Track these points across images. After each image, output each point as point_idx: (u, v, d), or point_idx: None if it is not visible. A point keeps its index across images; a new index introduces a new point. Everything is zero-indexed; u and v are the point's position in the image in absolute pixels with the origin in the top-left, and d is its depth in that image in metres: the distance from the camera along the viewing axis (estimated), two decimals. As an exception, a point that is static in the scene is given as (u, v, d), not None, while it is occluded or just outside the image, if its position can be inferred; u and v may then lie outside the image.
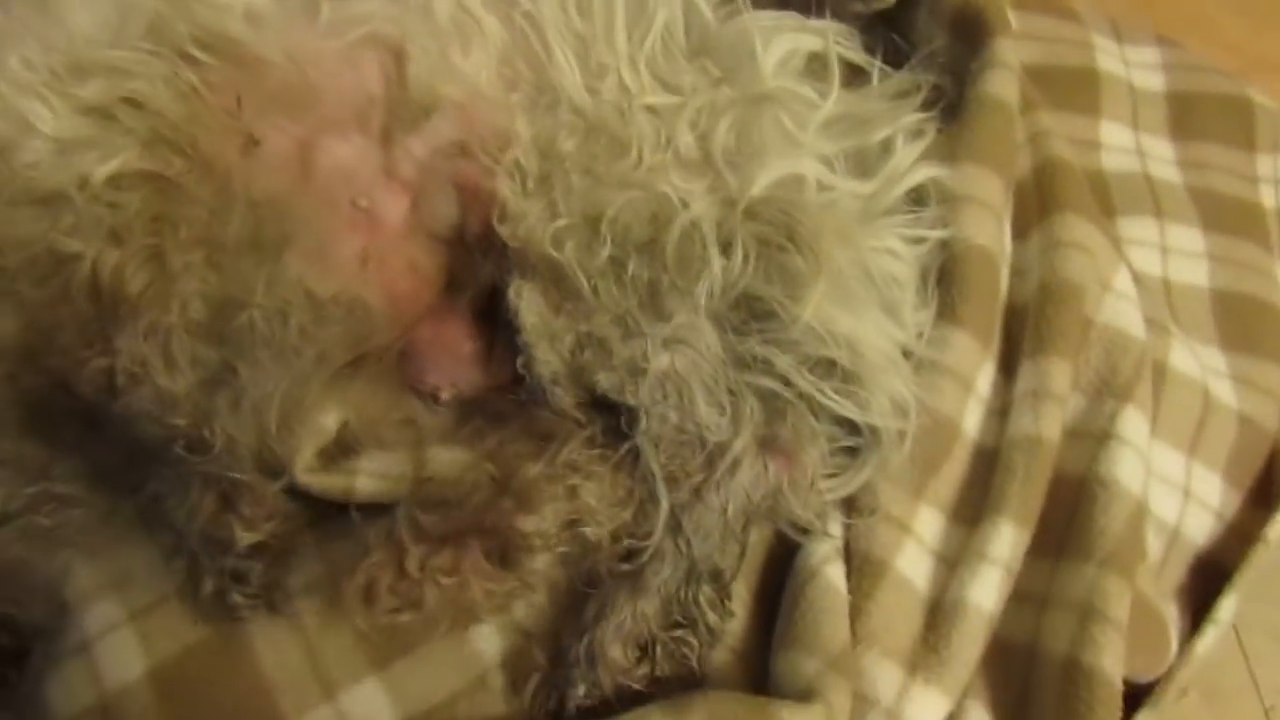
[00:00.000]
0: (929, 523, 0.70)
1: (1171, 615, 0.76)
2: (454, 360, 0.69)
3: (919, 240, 0.70)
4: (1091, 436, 0.72)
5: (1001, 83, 0.77)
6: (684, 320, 0.62)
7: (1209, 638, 0.76)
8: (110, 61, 0.61)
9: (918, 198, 0.72)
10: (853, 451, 0.68)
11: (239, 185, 0.62)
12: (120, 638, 0.64)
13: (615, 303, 0.60)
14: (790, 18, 0.73)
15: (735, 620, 0.67)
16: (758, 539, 0.70)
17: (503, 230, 0.62)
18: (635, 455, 0.63)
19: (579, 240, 0.61)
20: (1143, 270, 0.87)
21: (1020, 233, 0.79)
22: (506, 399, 0.67)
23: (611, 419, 0.64)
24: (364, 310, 0.66)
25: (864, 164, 0.71)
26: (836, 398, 0.65)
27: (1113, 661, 0.63)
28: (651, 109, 0.66)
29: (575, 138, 0.63)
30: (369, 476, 0.67)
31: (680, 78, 0.68)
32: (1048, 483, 0.69)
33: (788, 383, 0.64)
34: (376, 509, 0.65)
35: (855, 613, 0.65)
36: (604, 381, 0.62)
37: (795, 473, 0.64)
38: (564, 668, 0.61)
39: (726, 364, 0.63)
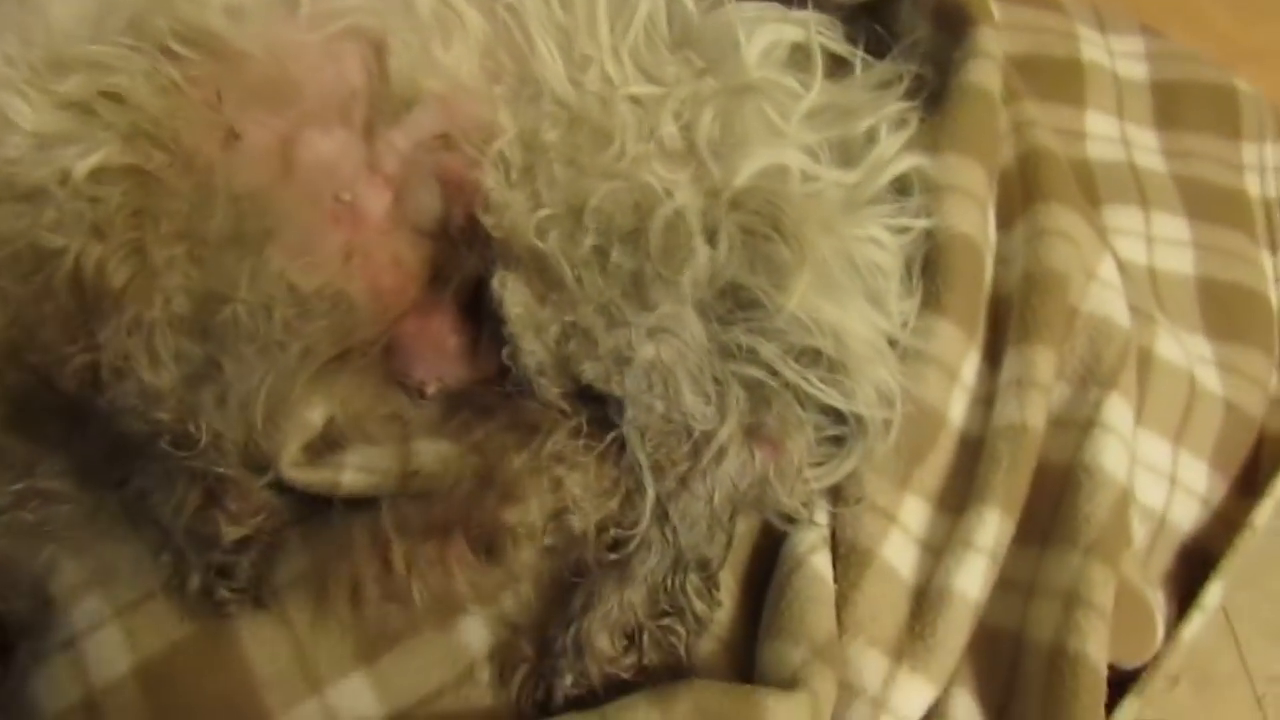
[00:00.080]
0: (915, 512, 0.70)
1: (1158, 602, 0.76)
2: (439, 354, 0.69)
3: (903, 230, 0.70)
4: (1076, 425, 0.72)
5: (984, 72, 0.77)
6: (669, 310, 0.62)
7: (1196, 624, 0.76)
8: (90, 56, 0.61)
9: (901, 187, 0.72)
10: (839, 441, 0.68)
11: (220, 179, 0.62)
12: (106, 634, 0.64)
13: (599, 292, 0.60)
14: (772, 9, 0.73)
15: (722, 610, 0.67)
16: (745, 529, 0.70)
17: (486, 221, 0.62)
18: (621, 445, 0.63)
19: (562, 230, 0.61)
20: (1128, 259, 0.87)
21: (1005, 222, 0.79)
22: (493, 392, 0.67)
23: (597, 409, 0.64)
24: (348, 304, 0.66)
25: (848, 154, 0.71)
26: (822, 386, 0.65)
27: (1097, 648, 0.63)
28: (635, 99, 0.66)
29: (558, 128, 0.63)
30: (355, 471, 0.67)
31: (663, 69, 0.68)
32: (1033, 471, 0.70)
33: (773, 372, 0.64)
34: (361, 503, 0.65)
35: (841, 602, 0.65)
36: (589, 371, 0.62)
37: (781, 461, 0.64)
38: (551, 658, 0.61)
39: (712, 353, 0.63)
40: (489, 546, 0.58)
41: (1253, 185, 0.95)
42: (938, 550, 0.69)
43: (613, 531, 0.62)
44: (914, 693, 0.63)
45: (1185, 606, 0.78)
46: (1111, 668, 0.71)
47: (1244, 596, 1.15)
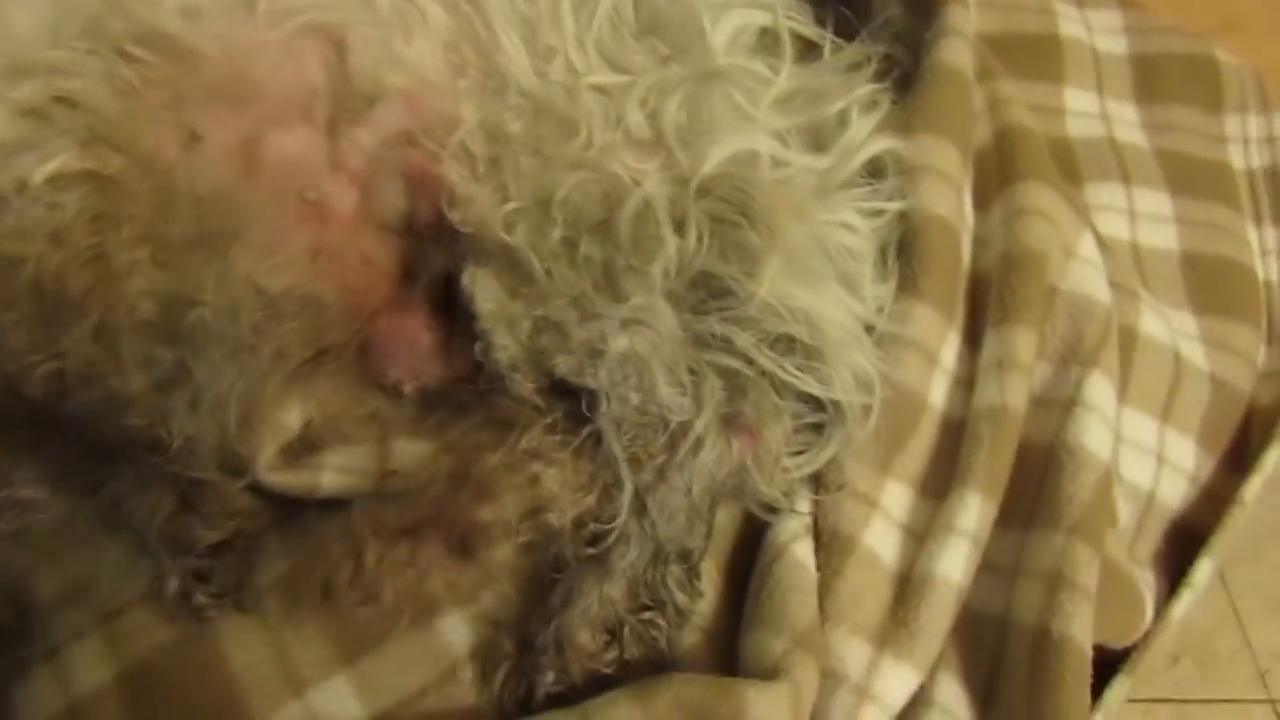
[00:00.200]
0: (897, 497, 0.69)
1: (1147, 581, 0.76)
2: (414, 352, 0.68)
3: (877, 213, 0.69)
4: (1058, 404, 0.72)
5: (956, 51, 0.76)
6: (641, 301, 0.61)
7: (1186, 603, 0.76)
8: (45, 62, 0.60)
9: (875, 170, 0.71)
10: (818, 428, 0.68)
11: (182, 181, 0.61)
12: (87, 642, 0.63)
13: (570, 285, 0.60)
14: (739, -7, 0.72)
15: (706, 601, 0.66)
16: (728, 519, 0.70)
17: (453, 216, 0.61)
18: (598, 439, 0.63)
19: (530, 223, 0.60)
20: (1111, 235, 0.87)
21: (982, 202, 0.78)
22: (468, 389, 0.67)
23: (573, 404, 0.63)
24: (318, 305, 0.65)
25: (819, 138, 0.70)
26: (798, 374, 0.64)
27: (1082, 629, 0.63)
28: (600, 89, 0.65)
29: (522, 120, 0.62)
30: (333, 472, 0.66)
31: (629, 58, 0.67)
32: (1014, 453, 0.69)
33: (749, 360, 0.64)
34: (342, 505, 0.64)
35: (824, 590, 0.65)
36: (562, 365, 0.61)
37: (759, 450, 0.64)
38: (532, 655, 0.61)
39: (686, 343, 0.63)
40: (463, 545, 0.58)
41: (1236, 157, 0.95)
42: (921, 535, 0.68)
43: (591, 526, 0.62)
44: (897, 679, 0.63)
45: (1176, 585, 0.78)
46: (1101, 648, 0.71)
47: (1245, 572, 1.15)
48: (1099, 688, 0.71)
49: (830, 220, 0.65)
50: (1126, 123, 0.94)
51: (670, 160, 0.64)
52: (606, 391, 0.61)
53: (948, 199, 0.72)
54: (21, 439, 0.63)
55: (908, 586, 0.65)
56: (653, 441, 0.62)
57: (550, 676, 0.60)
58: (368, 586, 0.56)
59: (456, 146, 0.62)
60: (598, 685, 0.61)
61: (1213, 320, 0.85)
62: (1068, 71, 0.94)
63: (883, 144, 0.70)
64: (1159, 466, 0.79)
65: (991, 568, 0.68)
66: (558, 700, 0.60)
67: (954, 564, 0.65)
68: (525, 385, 0.63)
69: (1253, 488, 0.81)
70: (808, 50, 0.74)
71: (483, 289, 0.61)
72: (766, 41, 0.72)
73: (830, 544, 0.66)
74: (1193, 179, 0.91)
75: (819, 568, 0.66)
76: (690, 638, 0.65)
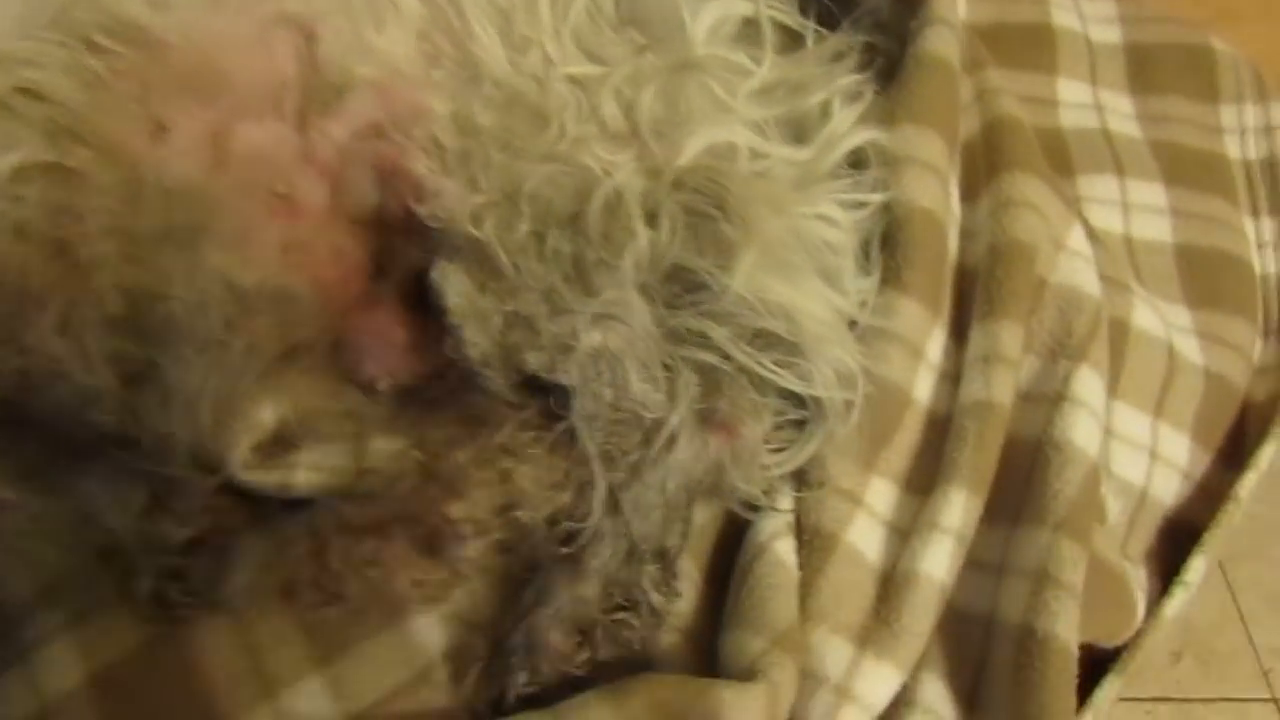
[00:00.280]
0: (881, 494, 0.68)
1: (1139, 579, 0.74)
2: (388, 349, 0.67)
3: (859, 205, 0.68)
4: (1046, 399, 0.70)
5: (941, 40, 0.75)
6: (613, 295, 0.60)
7: (1178, 601, 0.74)
8: (11, 53, 0.59)
9: (857, 162, 0.70)
10: (800, 425, 0.66)
11: (150, 173, 0.60)
12: (59, 644, 0.62)
13: (538, 279, 0.59)
14: (720, -18, 0.71)
15: (685, 600, 0.65)
16: (709, 517, 0.68)
17: (421, 210, 0.60)
18: (572, 436, 0.61)
19: (498, 216, 0.59)
20: (1104, 228, 0.85)
21: (970, 194, 0.77)
22: (443, 386, 0.66)
23: (547, 400, 0.62)
24: (290, 300, 0.64)
25: (801, 129, 0.69)
26: (776, 369, 0.63)
27: (1067, 628, 0.61)
28: (574, 80, 0.64)
29: (493, 112, 0.61)
30: (309, 470, 0.65)
31: (606, 49, 0.66)
32: (1000, 448, 0.68)
33: (726, 356, 0.62)
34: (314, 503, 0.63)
35: (805, 588, 0.64)
36: (533, 361, 0.60)
37: (736, 446, 0.63)
38: (503, 656, 0.60)
39: (661, 338, 0.62)
40: (430, 543, 0.56)
41: (1232, 148, 0.93)
42: (905, 533, 0.67)
43: (564, 524, 0.61)
44: (879, 680, 0.62)
45: (1170, 583, 0.76)
46: (1092, 647, 0.70)
47: (1247, 570, 1.14)
48: (1091, 687, 0.69)
49: (809, 213, 0.64)
50: (1120, 114, 0.92)
51: (645, 152, 0.63)
52: (579, 387, 0.60)
53: (933, 190, 0.70)
54: (-11, 437, 0.62)
55: (891, 585, 0.64)
56: (626, 438, 0.60)
57: (522, 678, 0.59)
58: (331, 586, 0.55)
59: (426, 139, 0.61)
60: (571, 687, 0.60)
61: (1207, 314, 0.84)
62: (1061, 62, 0.92)
63: (865, 135, 0.69)
64: (1151, 462, 0.77)
65: (978, 565, 0.67)
66: (530, 702, 0.59)
67: (938, 561, 0.64)
68: (497, 381, 0.61)
69: (1248, 484, 0.80)
70: (791, 40, 0.72)
71: (452, 284, 0.60)
72: (749, 32, 0.70)
73: (812, 542, 0.65)
74: (1188, 170, 0.90)
75: (801, 566, 0.65)
76: (669, 638, 0.64)
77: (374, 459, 0.65)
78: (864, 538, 0.66)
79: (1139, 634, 0.72)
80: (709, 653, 0.64)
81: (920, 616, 0.63)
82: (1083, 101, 0.91)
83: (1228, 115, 0.94)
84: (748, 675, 0.58)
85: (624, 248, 0.59)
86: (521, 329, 0.60)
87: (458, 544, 0.57)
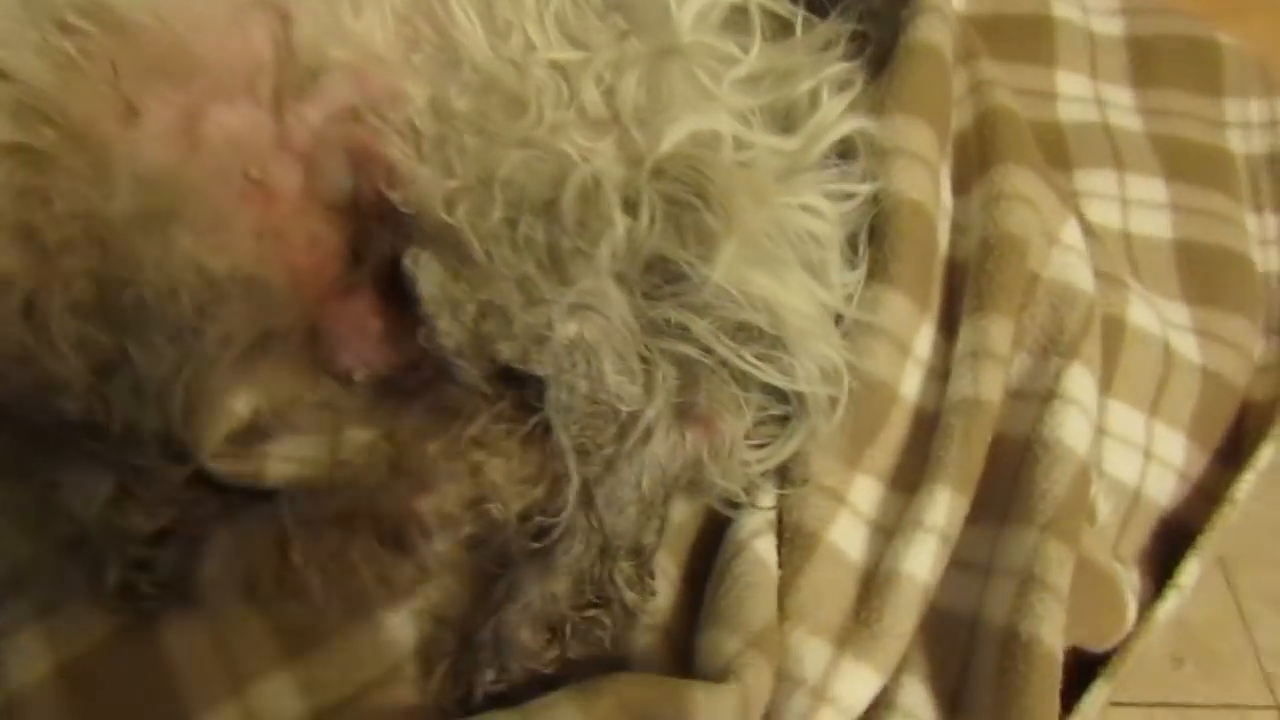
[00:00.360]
0: (866, 492, 0.67)
1: (1131, 581, 0.73)
2: (363, 338, 0.66)
3: (846, 196, 0.66)
4: (1036, 396, 0.69)
5: (933, 29, 0.73)
6: (589, 285, 0.59)
7: (1171, 604, 0.73)
8: (-22, 33, 0.58)
9: (846, 152, 0.68)
10: (783, 421, 0.65)
11: (121, 157, 0.59)
12: (27, 635, 0.62)
13: (511, 267, 0.57)
14: (708, -31, 0.69)
15: (664, 598, 0.64)
16: (690, 514, 0.67)
17: (394, 196, 0.59)
18: (547, 429, 0.60)
19: (471, 202, 0.58)
20: (1102, 223, 0.84)
21: (962, 187, 0.75)
22: (418, 377, 0.64)
23: (522, 392, 0.61)
24: (264, 287, 0.63)
25: (789, 118, 0.67)
26: (758, 363, 0.62)
27: (1051, 631, 0.60)
28: (556, 65, 0.62)
29: (468, 96, 0.60)
30: (281, 461, 0.65)
31: (589, 34, 0.65)
32: (988, 446, 0.66)
33: (706, 349, 0.61)
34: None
35: (784, 588, 0.63)
36: (506, 351, 0.59)
37: (715, 441, 0.61)
38: (472, 653, 0.59)
39: (639, 330, 0.60)
40: (396, 538, 0.55)
41: (1236, 143, 0.91)
42: (890, 532, 0.66)
43: (536, 519, 0.59)
44: (858, 682, 0.60)
45: (1164, 585, 0.75)
46: (1082, 651, 0.68)
47: (1251, 573, 1.11)
48: (1080, 691, 0.68)
49: (792, 203, 0.62)
50: (1121, 107, 0.90)
51: (625, 139, 0.61)
52: (553, 379, 0.59)
53: (922, 182, 0.69)
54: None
55: (872, 585, 0.63)
56: (601, 431, 0.59)
57: (490, 675, 0.58)
58: (293, 580, 0.54)
59: (402, 123, 0.60)
60: (542, 685, 0.59)
61: (1207, 311, 0.82)
62: (1060, 54, 0.91)
63: (853, 124, 0.67)
64: (1146, 462, 0.76)
65: (963, 565, 0.65)
66: (499, 700, 0.58)
67: (921, 561, 0.63)
68: (471, 372, 0.60)
69: (1245, 485, 0.78)
70: (781, 28, 0.71)
71: (425, 272, 0.59)
72: (737, 19, 0.69)
73: (793, 540, 0.64)
74: (1190, 165, 0.88)
75: (781, 565, 0.64)
76: (645, 637, 0.63)
77: (349, 451, 0.64)
78: (846, 536, 0.65)
79: (1130, 638, 0.71)
80: (686, 652, 0.63)
81: (902, 617, 0.61)
82: (1082, 95, 0.90)
83: (1232, 109, 0.92)
84: (721, 676, 0.57)
85: (601, 236, 0.58)
86: (495, 318, 0.59)
87: (425, 539, 0.56)
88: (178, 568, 0.62)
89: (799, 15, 0.70)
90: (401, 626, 0.61)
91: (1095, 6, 0.95)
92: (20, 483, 0.62)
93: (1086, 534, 0.65)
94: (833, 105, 0.67)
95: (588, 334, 0.59)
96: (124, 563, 0.61)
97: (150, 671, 0.61)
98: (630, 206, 0.59)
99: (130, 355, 0.60)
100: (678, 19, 0.66)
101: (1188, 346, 0.80)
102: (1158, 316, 0.79)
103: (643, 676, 0.57)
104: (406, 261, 0.59)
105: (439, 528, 0.56)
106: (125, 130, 0.60)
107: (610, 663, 0.61)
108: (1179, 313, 0.82)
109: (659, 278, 0.61)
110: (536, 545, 0.59)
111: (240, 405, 0.66)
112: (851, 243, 0.68)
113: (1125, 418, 0.75)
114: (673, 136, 0.61)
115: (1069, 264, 0.72)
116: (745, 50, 0.67)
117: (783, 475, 0.66)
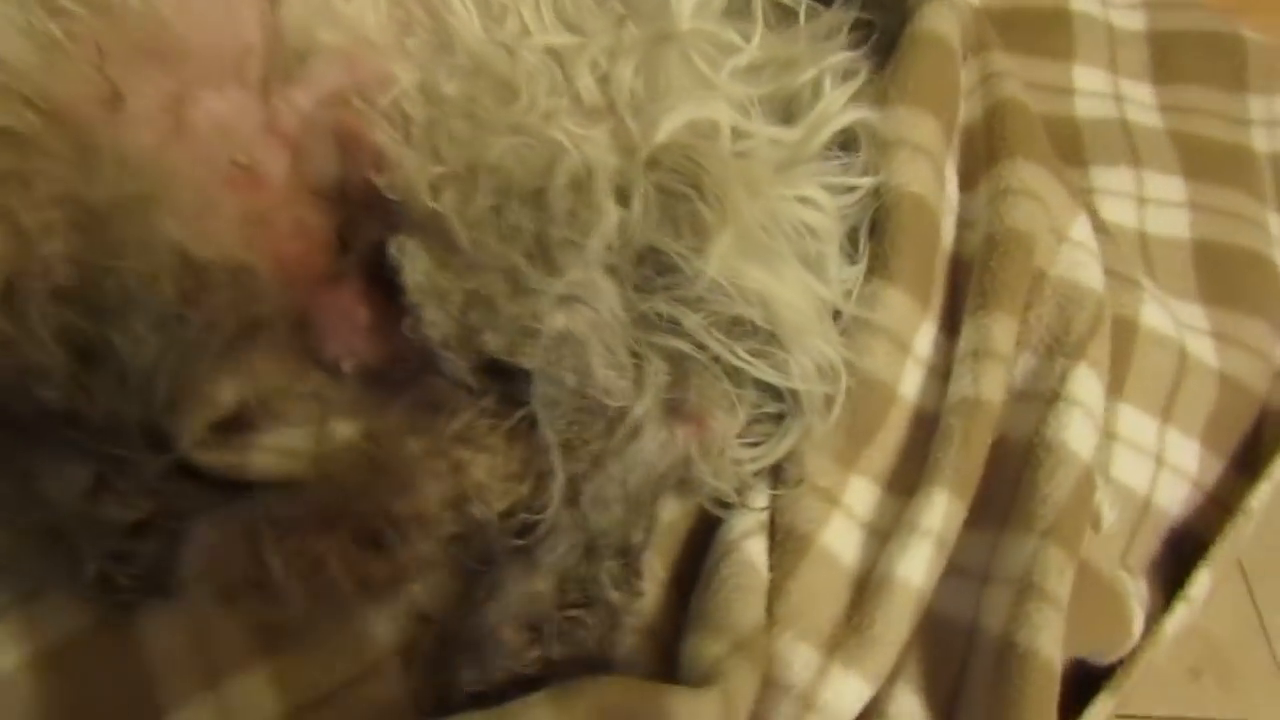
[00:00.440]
0: (861, 494, 0.65)
1: (1139, 591, 0.70)
2: (351, 328, 0.65)
3: (846, 189, 0.64)
4: (1040, 398, 0.66)
5: (940, 18, 0.71)
6: (579, 276, 0.57)
7: (1179, 616, 0.70)
8: (-41, 13, 0.57)
9: (848, 143, 0.66)
10: (777, 419, 0.63)
11: (105, 141, 0.58)
12: (3, 623, 0.61)
13: (496, 256, 0.56)
14: (711, -45, 0.67)
15: (651, 600, 0.63)
16: (680, 513, 0.66)
17: (380, 181, 0.58)
18: (532, 424, 0.59)
19: (457, 189, 0.56)
20: (1117, 222, 0.81)
21: (969, 182, 0.73)
22: (404, 369, 0.63)
23: (510, 386, 0.60)
24: (250, 274, 0.62)
25: (790, 109, 0.66)
26: (751, 359, 0.60)
27: (1049, 642, 0.57)
28: (550, 50, 0.61)
29: (458, 81, 0.58)
30: (266, 452, 0.64)
31: (586, 19, 0.63)
32: (988, 448, 0.64)
33: (698, 344, 0.59)
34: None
35: (775, 592, 0.61)
36: (492, 342, 0.57)
37: (705, 439, 0.60)
38: (452, 652, 0.57)
39: (629, 323, 0.59)
40: (374, 539, 0.54)
41: (1260, 141, 0.89)
42: (886, 535, 0.64)
43: (520, 516, 0.58)
44: (847, 690, 0.58)
45: (1174, 597, 0.72)
46: (1082, 664, 0.66)
47: (1273, 585, 1.09)
48: (1084, 705, 0.66)
49: (789, 195, 0.61)
50: (1141, 103, 0.88)
51: (620, 128, 0.60)
52: (540, 372, 0.57)
53: (924, 175, 0.67)
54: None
55: (865, 589, 0.61)
56: (588, 427, 0.58)
57: (470, 674, 0.56)
58: (265, 581, 0.52)
59: (391, 108, 0.59)
60: (525, 685, 0.57)
61: (1224, 313, 0.80)
62: (1078, 48, 0.88)
63: (855, 115, 0.65)
64: (1157, 468, 0.73)
65: (960, 571, 0.63)
66: (478, 700, 0.56)
67: (915, 566, 0.61)
68: (458, 364, 0.59)
69: (1261, 495, 0.75)
70: (784, 16, 0.69)
71: (411, 260, 0.58)
72: (739, 6, 0.67)
73: (785, 542, 0.62)
74: (1210, 163, 0.86)
75: (771, 568, 0.62)
76: (632, 638, 0.61)
77: (332, 444, 0.63)
78: (840, 539, 0.63)
79: (1136, 650, 0.68)
80: (671, 655, 0.61)
81: (894, 624, 0.59)
82: (1100, 90, 0.87)
83: (1256, 107, 0.89)
84: (705, 680, 0.55)
85: (591, 226, 0.56)
86: (481, 309, 0.57)
87: (402, 541, 0.54)
88: (156, 561, 0.61)
89: (803, 2, 0.69)
90: (383, 624, 0.60)
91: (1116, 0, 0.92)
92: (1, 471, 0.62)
93: (1090, 541, 0.63)
94: (835, 96, 0.65)
95: (576, 326, 0.57)
96: (102, 554, 0.60)
97: (126, 663, 0.60)
98: (623, 196, 0.57)
99: (113, 343, 0.59)
100: (677, 5, 0.64)
101: (1204, 350, 0.77)
102: (1173, 318, 0.76)
103: (623, 680, 0.55)
104: (392, 249, 0.58)
105: (417, 530, 0.55)
106: (109, 114, 0.59)
107: (594, 664, 0.59)
108: (1195, 315, 0.79)
109: (651, 270, 0.59)
110: (520, 543, 0.58)
111: (225, 394, 0.64)
112: (852, 237, 0.66)
113: (1136, 422, 0.73)
114: (669, 126, 0.59)
115: (1078, 262, 0.70)
116: (746, 38, 0.65)
117: (776, 475, 0.64)
